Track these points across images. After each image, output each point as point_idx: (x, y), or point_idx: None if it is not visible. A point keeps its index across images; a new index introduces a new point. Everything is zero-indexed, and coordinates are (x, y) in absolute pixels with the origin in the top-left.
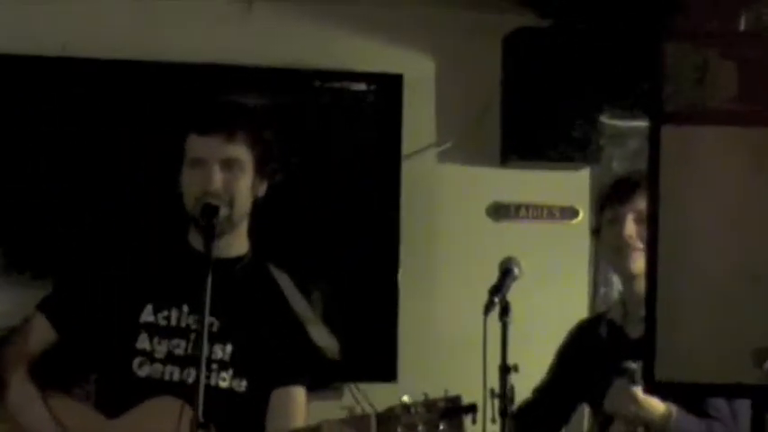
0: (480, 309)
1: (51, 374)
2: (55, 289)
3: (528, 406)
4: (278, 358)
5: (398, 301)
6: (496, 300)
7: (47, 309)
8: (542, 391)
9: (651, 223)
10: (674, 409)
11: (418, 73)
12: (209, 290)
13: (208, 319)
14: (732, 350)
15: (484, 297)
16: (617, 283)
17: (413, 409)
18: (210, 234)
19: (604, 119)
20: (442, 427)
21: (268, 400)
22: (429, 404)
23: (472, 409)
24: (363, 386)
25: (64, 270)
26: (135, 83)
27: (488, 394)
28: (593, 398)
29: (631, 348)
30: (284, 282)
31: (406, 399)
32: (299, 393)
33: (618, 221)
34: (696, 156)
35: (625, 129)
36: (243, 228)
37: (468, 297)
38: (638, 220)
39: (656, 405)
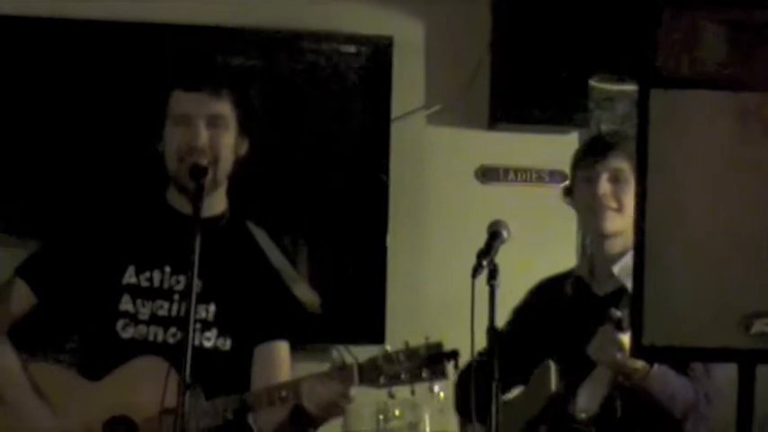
0: (468, 272)
1: (33, 340)
2: (34, 253)
3: (479, 366)
4: (261, 315)
5: (387, 264)
6: (484, 263)
7: (26, 273)
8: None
9: (639, 187)
10: None
11: (408, 35)
12: (198, 252)
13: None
14: (720, 314)
15: (472, 260)
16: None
17: (395, 358)
18: (199, 195)
19: (593, 82)
20: (424, 375)
21: (250, 358)
22: (410, 352)
23: (454, 355)
24: (351, 348)
25: (45, 232)
26: (121, 44)
27: (476, 357)
28: (560, 355)
29: (599, 305)
30: (263, 238)
31: (388, 348)
32: (282, 348)
33: (592, 180)
34: (685, 120)
35: (614, 92)
36: (223, 186)
37: (457, 260)
38: (612, 179)
39: None
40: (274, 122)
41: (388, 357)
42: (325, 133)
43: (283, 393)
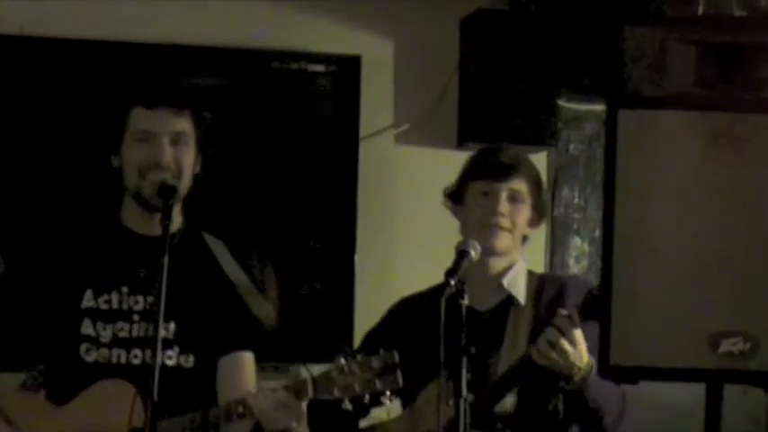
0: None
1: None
2: None
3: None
4: (220, 330)
5: (355, 283)
6: (452, 282)
7: None
8: None
9: (607, 207)
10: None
11: (376, 55)
12: (166, 271)
13: (148, 299)
14: (687, 334)
15: (440, 279)
16: (572, 265)
17: (348, 370)
18: (167, 215)
19: (561, 102)
20: (378, 385)
21: (214, 370)
22: (363, 363)
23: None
24: (319, 366)
25: (3, 256)
26: (80, 62)
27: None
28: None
29: (484, 322)
30: (220, 252)
31: (342, 361)
32: (246, 358)
33: (491, 197)
34: (653, 140)
35: (582, 112)
36: (179, 203)
37: (425, 279)
38: (510, 199)
39: (585, 352)
40: (242, 141)
41: (341, 369)
42: (294, 152)
43: (240, 410)
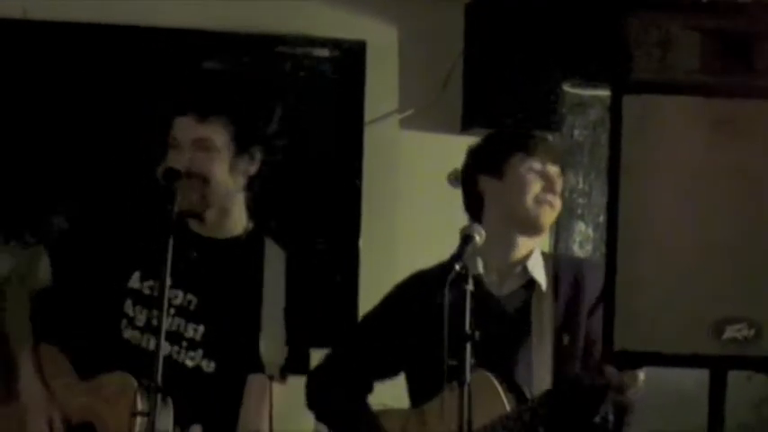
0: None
1: (47, 324)
2: (61, 233)
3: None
4: (249, 344)
5: (359, 268)
6: (457, 267)
7: (53, 248)
8: (364, 353)
9: (611, 193)
10: None
11: (381, 40)
12: (170, 258)
13: (187, 296)
14: (691, 320)
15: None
16: (576, 250)
17: None
18: (171, 198)
19: (566, 87)
20: None
21: (241, 385)
22: None
23: None
24: (322, 351)
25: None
26: (95, 47)
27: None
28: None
29: (505, 309)
30: (274, 265)
31: None
32: (266, 382)
33: (547, 176)
34: (657, 126)
35: (586, 97)
36: (235, 207)
37: (429, 264)
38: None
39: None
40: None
41: None
42: (298, 137)
43: None
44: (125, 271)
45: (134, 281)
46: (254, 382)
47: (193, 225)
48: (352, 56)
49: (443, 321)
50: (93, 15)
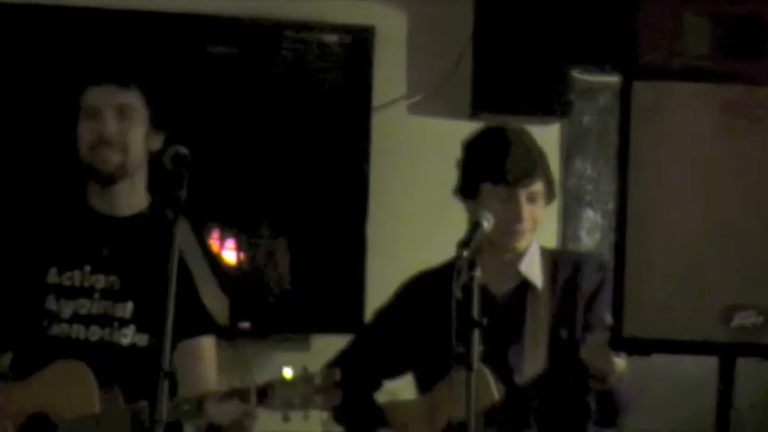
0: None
1: None
2: None
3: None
4: (178, 313)
5: (366, 253)
6: (465, 253)
7: None
8: (373, 353)
9: (620, 180)
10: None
11: (389, 25)
12: (177, 243)
13: (109, 278)
14: (700, 307)
15: (453, 250)
16: (585, 238)
17: (291, 383)
18: (179, 184)
19: (575, 73)
20: (317, 402)
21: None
22: (307, 378)
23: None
24: (330, 337)
25: None
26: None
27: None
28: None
29: (501, 308)
30: (185, 235)
31: (286, 373)
32: (203, 343)
33: (512, 201)
34: (667, 112)
35: (595, 84)
36: (140, 182)
37: (437, 250)
38: (529, 199)
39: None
40: (254, 112)
41: (284, 382)
42: (306, 122)
43: (185, 407)
44: (41, 268)
45: (52, 276)
46: (185, 346)
47: (95, 203)
48: (360, 41)
49: (451, 312)
50: (97, 1)
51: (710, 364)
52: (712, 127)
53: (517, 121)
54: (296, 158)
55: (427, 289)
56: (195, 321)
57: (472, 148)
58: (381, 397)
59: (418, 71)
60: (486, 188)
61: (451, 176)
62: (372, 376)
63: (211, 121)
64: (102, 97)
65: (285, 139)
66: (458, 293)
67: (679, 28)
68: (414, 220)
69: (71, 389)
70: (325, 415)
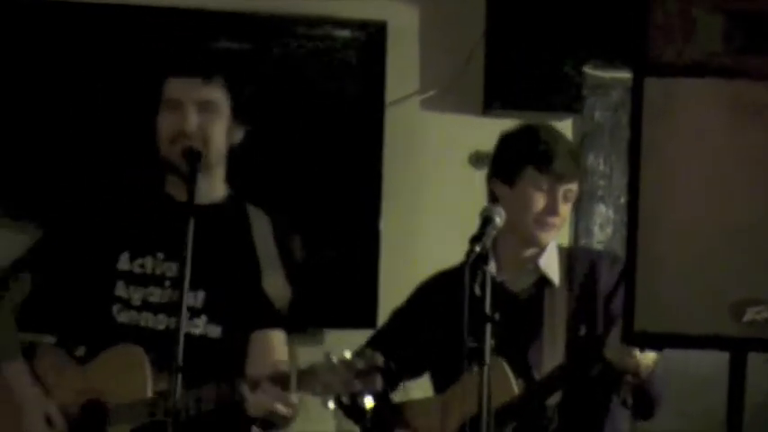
0: (461, 257)
1: (31, 321)
2: (35, 244)
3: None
4: (250, 304)
5: (380, 249)
6: (477, 248)
7: (27, 264)
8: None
9: (632, 175)
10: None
11: (402, 21)
12: (191, 237)
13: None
14: (712, 302)
15: (465, 245)
16: (597, 233)
17: (333, 367)
18: (193, 179)
19: (588, 69)
20: (357, 386)
21: (246, 345)
22: (348, 362)
23: (387, 369)
24: (344, 332)
25: (45, 217)
26: (113, 27)
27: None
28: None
29: (519, 305)
30: (260, 225)
31: (332, 358)
32: (276, 336)
33: (550, 195)
34: (679, 108)
35: (608, 79)
36: (219, 173)
37: (450, 245)
38: (564, 198)
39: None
40: (267, 107)
41: (327, 366)
42: (319, 118)
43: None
44: (113, 253)
45: (123, 262)
46: (257, 338)
47: (172, 191)
48: (373, 37)
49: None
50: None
51: (722, 358)
52: (724, 122)
53: (529, 116)
54: (309, 154)
55: (444, 288)
56: (267, 313)
57: (516, 138)
58: (395, 396)
59: (431, 67)
60: (529, 173)
61: (464, 171)
62: (389, 376)
63: None
64: (184, 90)
65: (298, 135)
66: (477, 290)
67: (690, 24)
68: (426, 214)
69: (125, 374)
70: (338, 413)
